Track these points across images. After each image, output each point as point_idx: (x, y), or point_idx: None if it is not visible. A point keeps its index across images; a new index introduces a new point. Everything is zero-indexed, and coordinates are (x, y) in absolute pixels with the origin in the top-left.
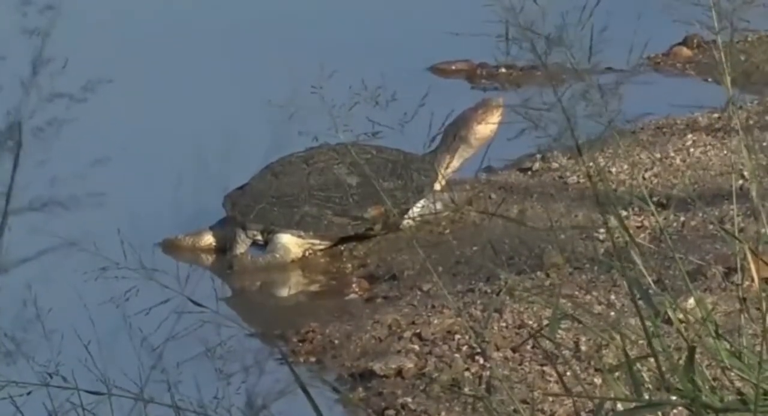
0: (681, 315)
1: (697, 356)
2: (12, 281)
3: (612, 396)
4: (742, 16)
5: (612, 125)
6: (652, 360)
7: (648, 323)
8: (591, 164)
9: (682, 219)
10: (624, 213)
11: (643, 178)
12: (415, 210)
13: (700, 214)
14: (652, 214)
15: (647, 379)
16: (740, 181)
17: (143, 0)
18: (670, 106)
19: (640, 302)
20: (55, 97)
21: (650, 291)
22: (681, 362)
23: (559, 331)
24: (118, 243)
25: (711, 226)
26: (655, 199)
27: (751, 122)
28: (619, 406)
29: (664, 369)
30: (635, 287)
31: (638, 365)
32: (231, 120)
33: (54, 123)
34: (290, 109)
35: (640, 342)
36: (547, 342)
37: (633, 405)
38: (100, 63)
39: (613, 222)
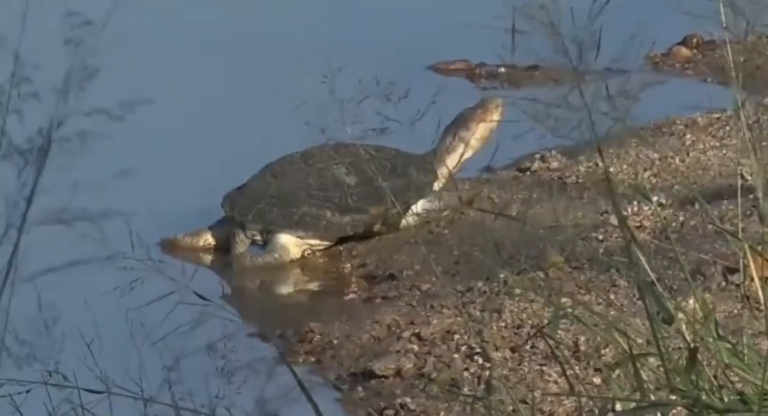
0: (681, 315)
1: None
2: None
3: (614, 395)
4: (760, 17)
5: (627, 126)
6: (651, 359)
7: (653, 323)
8: (603, 162)
9: (681, 218)
10: (623, 213)
11: (642, 178)
12: (415, 210)
13: (700, 214)
14: (652, 214)
15: (646, 379)
16: (740, 181)
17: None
18: (669, 106)
19: (638, 302)
20: (93, 112)
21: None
22: (682, 362)
23: (559, 331)
24: (126, 242)
25: (710, 226)
26: (654, 198)
27: (750, 122)
28: (618, 406)
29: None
30: (644, 288)
31: (637, 365)
32: (246, 127)
33: (83, 135)
34: (297, 101)
35: (639, 341)
36: (547, 341)
37: (633, 405)
38: (137, 76)
39: (617, 220)
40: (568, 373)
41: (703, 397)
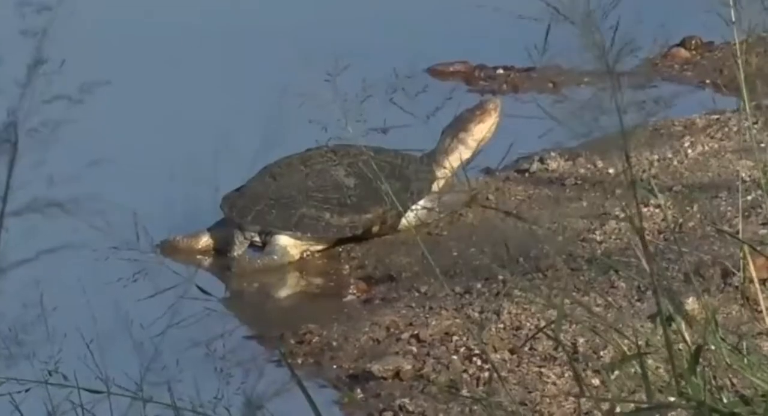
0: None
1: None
2: (13, 282)
3: (613, 396)
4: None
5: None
6: (650, 361)
7: (664, 324)
8: (629, 164)
9: (680, 219)
10: (621, 214)
11: (641, 180)
12: (414, 211)
13: (698, 215)
14: (650, 216)
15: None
16: (737, 182)
17: (159, 3)
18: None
19: (637, 304)
20: (53, 99)
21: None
22: (684, 363)
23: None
24: (113, 242)
25: (709, 227)
26: (652, 202)
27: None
28: (618, 408)
29: (665, 370)
30: (661, 289)
31: (636, 366)
32: (226, 120)
33: (50, 124)
34: (300, 99)
35: (639, 343)
36: (546, 343)
37: (632, 406)
38: (99, 64)
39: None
40: (569, 374)
41: (703, 398)
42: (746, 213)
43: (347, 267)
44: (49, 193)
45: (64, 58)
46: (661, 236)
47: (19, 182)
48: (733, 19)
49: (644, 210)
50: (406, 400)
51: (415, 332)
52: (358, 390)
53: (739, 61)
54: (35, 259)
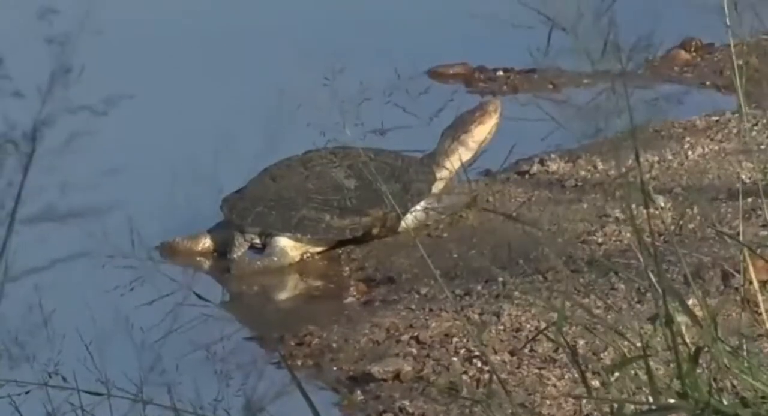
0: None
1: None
2: (15, 286)
3: (621, 398)
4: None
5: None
6: (652, 363)
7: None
8: (639, 164)
9: (680, 221)
10: (621, 215)
11: (641, 181)
12: (414, 213)
13: (698, 217)
14: (650, 217)
15: (644, 382)
16: (738, 184)
17: (158, 8)
18: (668, 108)
19: (637, 306)
20: (77, 109)
21: (649, 292)
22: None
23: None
24: (111, 249)
25: (709, 229)
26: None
27: (749, 126)
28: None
29: (664, 371)
30: (669, 291)
31: (637, 368)
32: (226, 121)
33: (70, 134)
34: (298, 101)
35: (638, 344)
36: (546, 345)
37: (632, 407)
38: (97, 64)
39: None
40: (569, 376)
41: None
42: (746, 215)
43: (347, 269)
44: (62, 199)
45: (77, 65)
46: (661, 238)
47: (33, 189)
48: (729, 23)
49: (644, 211)
50: (406, 402)
51: (415, 334)
52: (358, 392)
53: (735, 65)
54: (49, 267)
